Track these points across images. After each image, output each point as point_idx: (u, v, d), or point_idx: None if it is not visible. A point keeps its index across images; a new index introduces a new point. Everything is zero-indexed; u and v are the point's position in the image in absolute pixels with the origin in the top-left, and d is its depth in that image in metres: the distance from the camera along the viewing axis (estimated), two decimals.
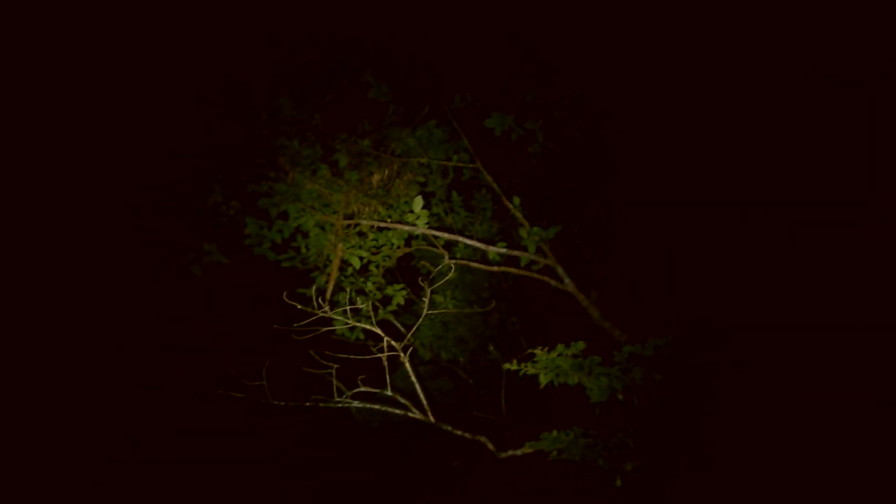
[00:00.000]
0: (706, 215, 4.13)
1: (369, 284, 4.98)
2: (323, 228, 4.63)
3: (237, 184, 4.05)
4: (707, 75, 4.14)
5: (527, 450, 3.55)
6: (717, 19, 4.13)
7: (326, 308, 3.66)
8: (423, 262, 4.96)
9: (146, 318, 4.38)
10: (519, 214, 4.26)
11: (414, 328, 4.01)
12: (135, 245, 4.25)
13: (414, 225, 4.35)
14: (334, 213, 4.53)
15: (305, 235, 4.65)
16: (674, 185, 4.35)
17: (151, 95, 4.25)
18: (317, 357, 3.75)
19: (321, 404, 3.65)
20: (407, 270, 5.47)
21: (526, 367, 3.47)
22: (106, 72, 4.16)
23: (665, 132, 4.39)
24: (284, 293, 3.97)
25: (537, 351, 3.39)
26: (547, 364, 3.34)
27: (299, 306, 3.86)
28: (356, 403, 3.80)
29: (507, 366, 3.55)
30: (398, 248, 4.96)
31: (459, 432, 3.80)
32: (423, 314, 3.95)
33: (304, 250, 4.69)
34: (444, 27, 4.60)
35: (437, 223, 4.80)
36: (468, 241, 4.37)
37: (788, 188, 3.80)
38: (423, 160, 4.54)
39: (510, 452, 3.64)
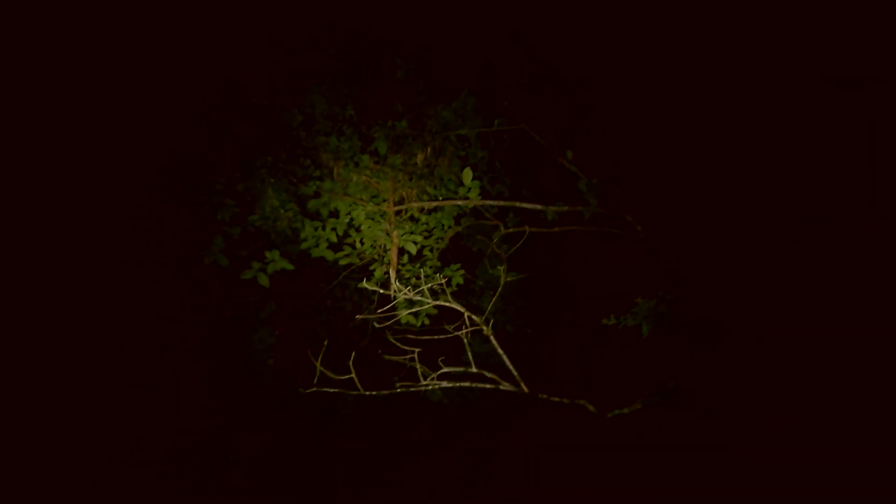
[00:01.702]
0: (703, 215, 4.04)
1: (427, 268, 4.92)
2: (374, 220, 4.57)
3: (288, 186, 3.99)
4: (706, 77, 4.08)
5: (637, 406, 3.44)
6: (717, 20, 4.09)
7: (405, 290, 3.60)
8: (479, 237, 4.86)
9: (146, 319, 4.32)
10: (574, 168, 4.13)
11: (493, 299, 3.93)
12: (136, 244, 4.22)
13: (466, 199, 4.25)
14: (384, 201, 4.46)
15: (357, 230, 4.60)
16: (671, 186, 4.26)
17: (172, 93, 4.19)
18: (397, 343, 3.70)
19: (412, 388, 3.61)
20: (457, 251, 5.40)
21: (625, 319, 3.36)
22: (135, 64, 4.09)
23: (662, 132, 4.31)
24: (364, 279, 3.91)
25: (639, 300, 3.27)
26: (648, 314, 3.22)
27: (382, 291, 3.81)
28: (444, 383, 3.74)
29: (605, 321, 3.45)
30: (449, 227, 4.87)
31: (556, 398, 3.71)
32: (501, 284, 3.86)
33: (358, 245, 4.64)
34: (444, 26, 4.54)
35: (484, 195, 4.69)
36: (524, 206, 4.26)
37: (789, 189, 3.75)
38: (462, 131, 4.43)
39: (617, 412, 3.54)
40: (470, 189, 4.24)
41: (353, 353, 3.37)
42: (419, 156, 4.35)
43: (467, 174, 4.13)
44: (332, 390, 3.39)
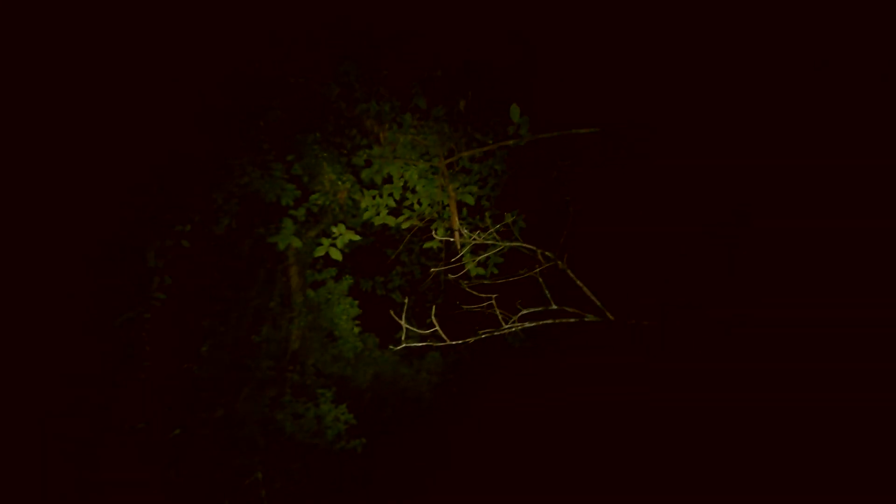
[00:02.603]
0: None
1: (487, 218, 4.86)
2: (427, 178, 4.53)
3: (340, 157, 4.00)
4: (704, 78, 3.69)
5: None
6: (717, 22, 3.69)
7: (473, 235, 3.56)
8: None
9: (146, 318, 4.32)
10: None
11: (564, 234, 3.81)
12: (142, 245, 4.23)
13: (518, 136, 4.10)
14: (434, 157, 4.40)
15: (413, 191, 4.58)
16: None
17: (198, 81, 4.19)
18: (472, 292, 3.68)
19: (496, 333, 3.60)
20: (513, 196, 5.28)
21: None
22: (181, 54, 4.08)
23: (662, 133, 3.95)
24: (434, 231, 3.91)
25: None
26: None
27: (451, 240, 3.78)
28: (527, 324, 3.70)
29: (686, 232, 3.26)
30: (503, 172, 4.76)
31: (646, 322, 3.60)
32: (570, 217, 3.73)
33: (416, 206, 4.62)
34: (444, 25, 4.33)
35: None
36: (582, 131, 4.06)
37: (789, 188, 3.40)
38: None
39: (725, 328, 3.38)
40: (519, 126, 4.08)
41: (433, 308, 3.40)
42: (461, 102, 4.23)
43: (514, 110, 3.97)
44: (419, 345, 3.44)
